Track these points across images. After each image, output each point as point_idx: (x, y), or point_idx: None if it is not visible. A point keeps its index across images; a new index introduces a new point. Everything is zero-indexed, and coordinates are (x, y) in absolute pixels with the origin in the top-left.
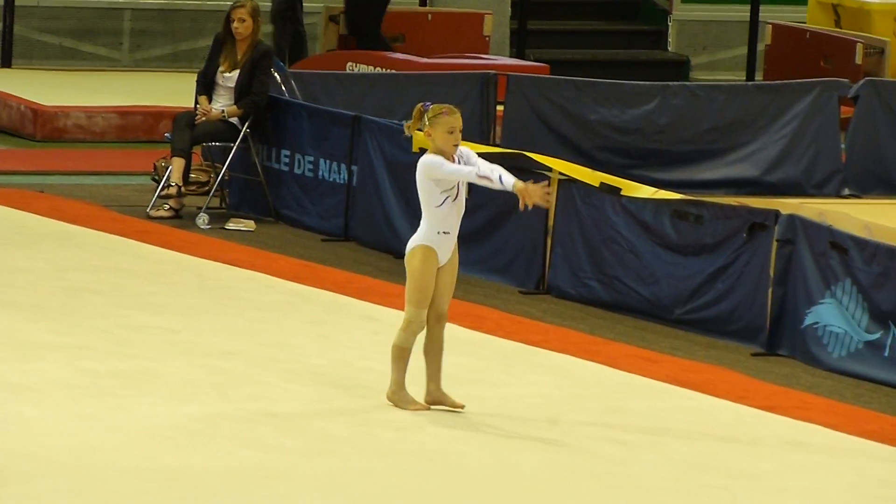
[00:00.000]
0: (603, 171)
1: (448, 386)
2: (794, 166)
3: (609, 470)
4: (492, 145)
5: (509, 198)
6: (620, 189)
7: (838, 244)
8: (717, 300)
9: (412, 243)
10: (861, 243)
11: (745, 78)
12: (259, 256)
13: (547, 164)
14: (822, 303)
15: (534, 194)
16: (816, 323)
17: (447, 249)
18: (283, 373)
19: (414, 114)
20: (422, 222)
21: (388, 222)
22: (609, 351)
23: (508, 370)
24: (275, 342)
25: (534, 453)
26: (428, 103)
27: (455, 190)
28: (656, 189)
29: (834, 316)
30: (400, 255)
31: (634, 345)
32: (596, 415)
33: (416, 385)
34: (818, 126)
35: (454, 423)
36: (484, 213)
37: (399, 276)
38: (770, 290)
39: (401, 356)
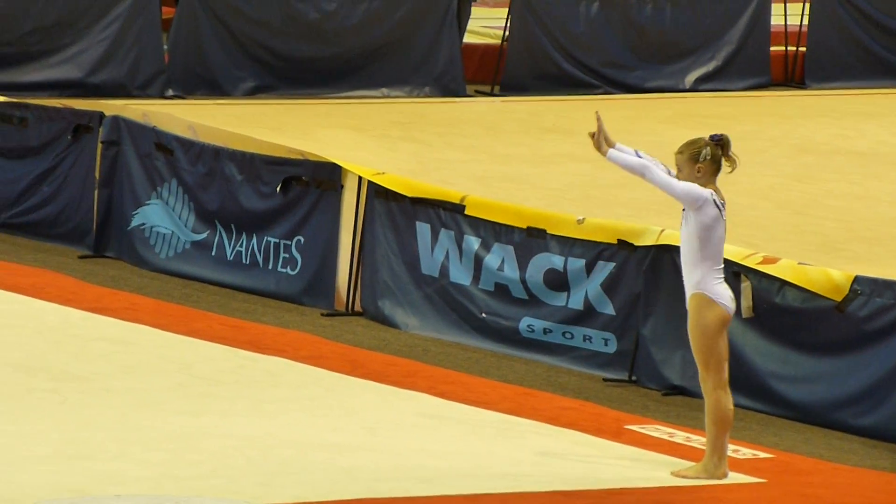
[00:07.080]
0: None
1: None
2: (117, 68)
3: None
4: None
5: None
6: None
7: (163, 145)
8: (43, 203)
9: None
10: (186, 144)
11: None
12: None
13: None
14: (148, 204)
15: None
16: (143, 224)
17: None
18: None
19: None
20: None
21: None
22: None
23: None
24: None
25: None
26: None
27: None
28: None
29: (161, 217)
30: None
31: None
32: None
33: None
34: (140, 27)
35: None
36: None
37: None
38: (96, 192)
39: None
